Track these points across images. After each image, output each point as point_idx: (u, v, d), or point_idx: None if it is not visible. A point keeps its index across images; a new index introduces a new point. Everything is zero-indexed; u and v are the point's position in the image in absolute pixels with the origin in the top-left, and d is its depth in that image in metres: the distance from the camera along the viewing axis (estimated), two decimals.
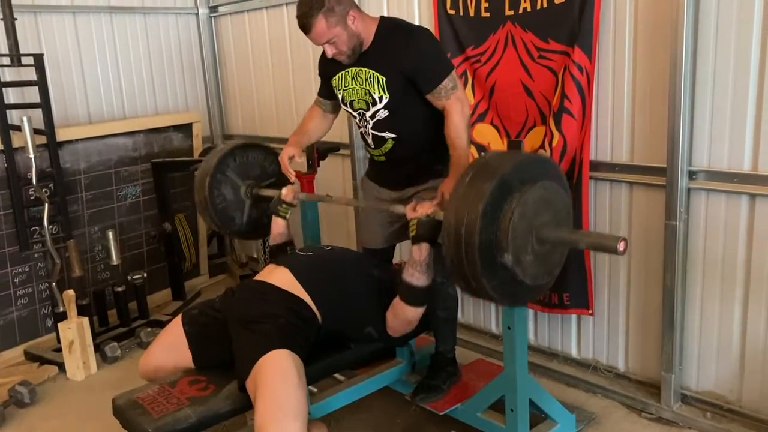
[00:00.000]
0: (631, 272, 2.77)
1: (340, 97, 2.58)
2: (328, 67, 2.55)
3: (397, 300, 2.30)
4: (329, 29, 2.32)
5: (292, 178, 2.72)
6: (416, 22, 3.25)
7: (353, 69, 2.48)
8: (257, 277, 2.47)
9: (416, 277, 2.22)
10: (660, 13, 2.44)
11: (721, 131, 2.39)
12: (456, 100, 2.39)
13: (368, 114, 2.49)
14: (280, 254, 2.67)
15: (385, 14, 3.40)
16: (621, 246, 1.74)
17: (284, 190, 2.71)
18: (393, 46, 2.38)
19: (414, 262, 2.21)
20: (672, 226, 2.50)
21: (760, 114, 2.28)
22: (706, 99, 2.39)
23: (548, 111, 2.78)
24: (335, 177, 3.87)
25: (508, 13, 2.81)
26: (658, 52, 2.47)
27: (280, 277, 2.36)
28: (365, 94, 2.47)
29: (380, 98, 2.44)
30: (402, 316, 2.32)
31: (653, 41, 2.49)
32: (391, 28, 2.44)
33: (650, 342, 2.76)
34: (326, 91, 2.69)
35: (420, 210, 2.17)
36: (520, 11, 2.78)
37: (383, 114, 2.47)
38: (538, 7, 2.72)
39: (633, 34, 2.55)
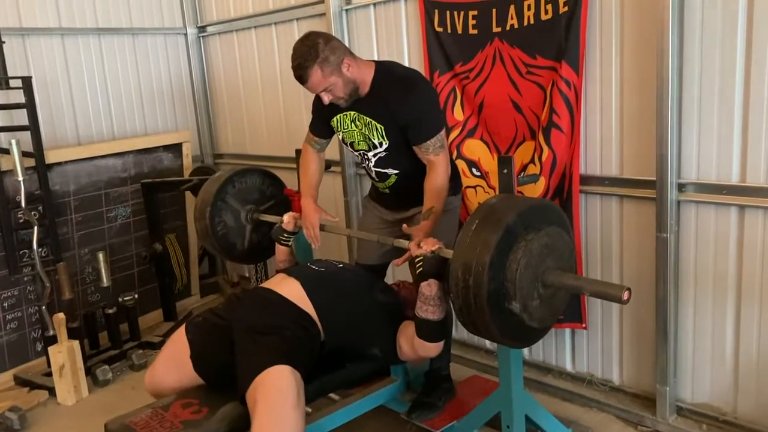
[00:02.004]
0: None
1: (340, 137, 2.59)
2: (326, 109, 2.53)
3: (417, 340, 2.27)
4: (325, 79, 2.32)
5: (318, 244, 2.67)
6: (404, 40, 3.29)
7: (351, 113, 2.48)
8: (266, 285, 2.46)
9: (431, 312, 2.21)
10: (645, 27, 2.46)
11: (708, 143, 2.41)
12: (443, 156, 2.41)
13: (370, 154, 2.52)
14: None
15: (373, 33, 3.43)
16: (625, 296, 1.76)
17: (285, 218, 2.71)
18: (390, 98, 2.39)
19: (426, 298, 2.20)
20: (663, 238, 2.51)
21: (747, 125, 2.31)
22: (693, 112, 2.41)
23: (537, 126, 2.80)
24: (327, 195, 3.86)
25: (496, 29, 2.84)
26: (645, 66, 2.49)
27: (289, 288, 2.35)
28: (365, 138, 2.49)
29: (380, 143, 2.46)
30: (424, 352, 2.31)
31: (639, 55, 2.52)
32: (389, 76, 2.43)
33: (644, 354, 2.76)
34: (320, 129, 2.66)
35: (425, 246, 2.17)
36: (508, 28, 2.80)
37: (384, 154, 2.49)
38: (525, 23, 2.74)
39: (619, 49, 2.57)
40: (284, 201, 3.04)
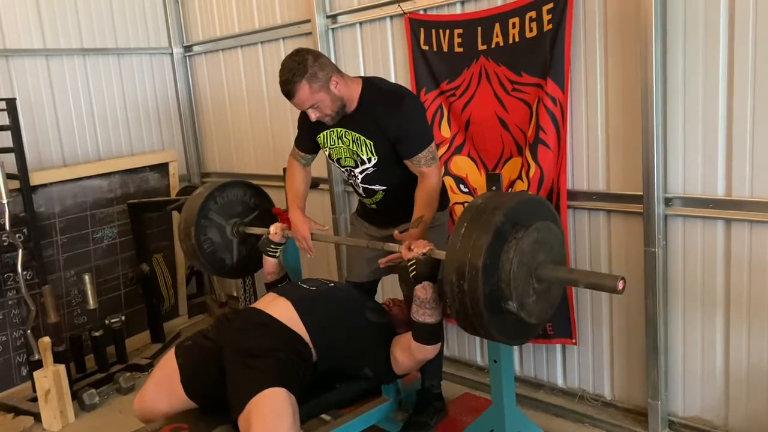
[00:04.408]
0: (613, 300, 2.78)
1: (326, 153, 2.59)
2: (312, 125, 2.53)
3: (415, 344, 2.27)
4: (312, 95, 2.32)
5: (312, 254, 2.67)
6: (391, 58, 3.30)
7: (339, 129, 2.48)
8: (256, 305, 2.43)
9: (428, 314, 2.21)
10: (629, 43, 2.49)
11: (694, 157, 2.43)
12: (436, 168, 2.43)
13: (357, 170, 2.51)
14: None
15: (360, 50, 3.45)
16: (620, 285, 1.75)
17: (272, 229, 2.70)
18: (379, 113, 2.39)
19: (421, 301, 2.20)
20: (651, 252, 2.52)
21: (731, 139, 2.33)
22: (678, 126, 2.44)
23: (524, 142, 2.81)
24: (315, 212, 3.84)
25: (481, 47, 2.86)
26: (629, 82, 2.52)
27: (281, 310, 2.33)
28: (353, 154, 2.48)
29: (369, 159, 2.46)
30: (422, 356, 2.30)
31: (624, 71, 2.54)
32: (376, 93, 2.44)
33: (635, 369, 2.76)
34: (306, 145, 2.67)
35: (416, 249, 2.16)
36: (493, 45, 2.82)
37: (372, 170, 2.49)
38: (510, 41, 2.76)
39: (604, 65, 2.60)
40: (268, 210, 3.04)
